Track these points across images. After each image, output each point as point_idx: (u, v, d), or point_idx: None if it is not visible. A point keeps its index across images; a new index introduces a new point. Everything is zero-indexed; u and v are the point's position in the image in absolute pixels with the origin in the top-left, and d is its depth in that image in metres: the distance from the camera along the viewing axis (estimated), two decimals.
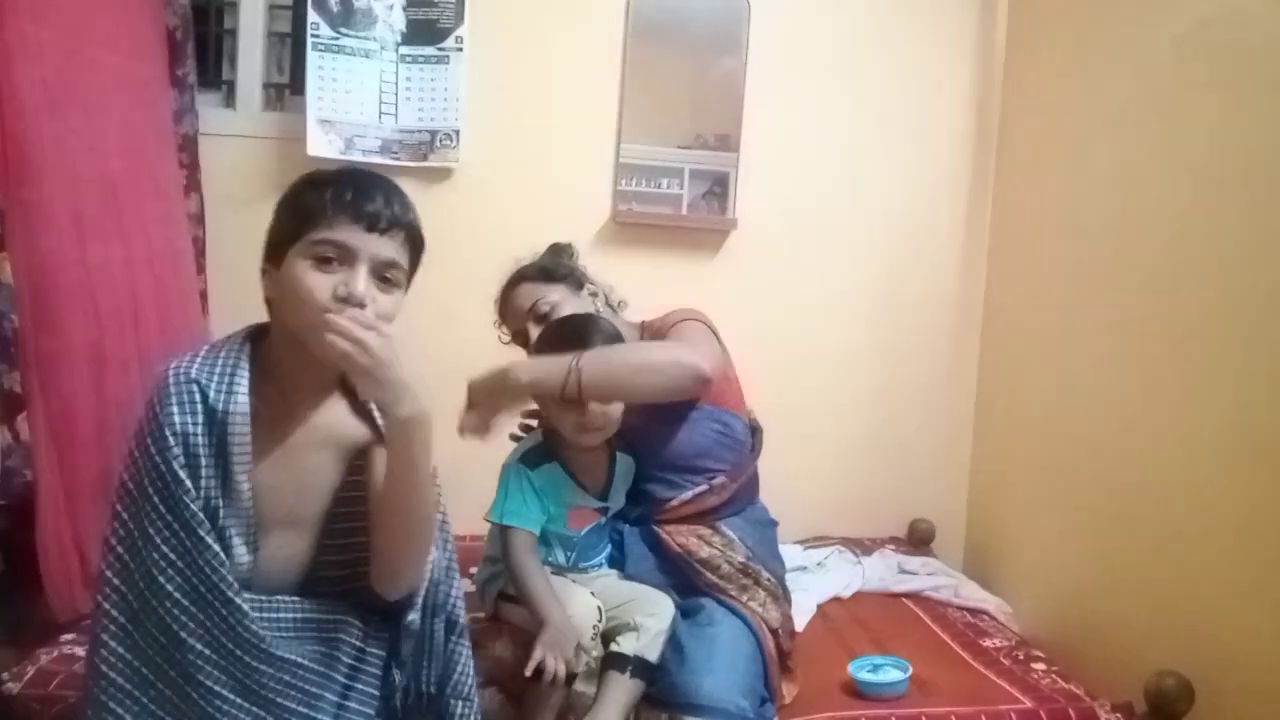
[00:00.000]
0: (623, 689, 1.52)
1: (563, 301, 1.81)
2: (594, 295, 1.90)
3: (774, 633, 1.69)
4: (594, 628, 1.52)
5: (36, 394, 1.68)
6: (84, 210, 1.80)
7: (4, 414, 1.66)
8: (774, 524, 1.90)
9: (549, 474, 1.62)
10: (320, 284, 1.18)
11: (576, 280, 1.89)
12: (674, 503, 1.76)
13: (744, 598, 1.70)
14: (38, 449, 1.68)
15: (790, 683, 1.72)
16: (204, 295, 2.45)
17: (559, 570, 1.64)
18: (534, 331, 1.77)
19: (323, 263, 1.19)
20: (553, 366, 1.60)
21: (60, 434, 1.72)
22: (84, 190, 1.81)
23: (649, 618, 1.58)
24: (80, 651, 1.70)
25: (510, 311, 1.88)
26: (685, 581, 1.71)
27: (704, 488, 1.77)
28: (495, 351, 1.74)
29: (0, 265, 1.60)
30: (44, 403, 1.69)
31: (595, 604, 1.54)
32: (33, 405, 1.68)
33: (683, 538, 1.73)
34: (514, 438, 1.80)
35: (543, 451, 1.65)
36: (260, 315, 1.29)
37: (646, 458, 1.77)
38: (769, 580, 1.76)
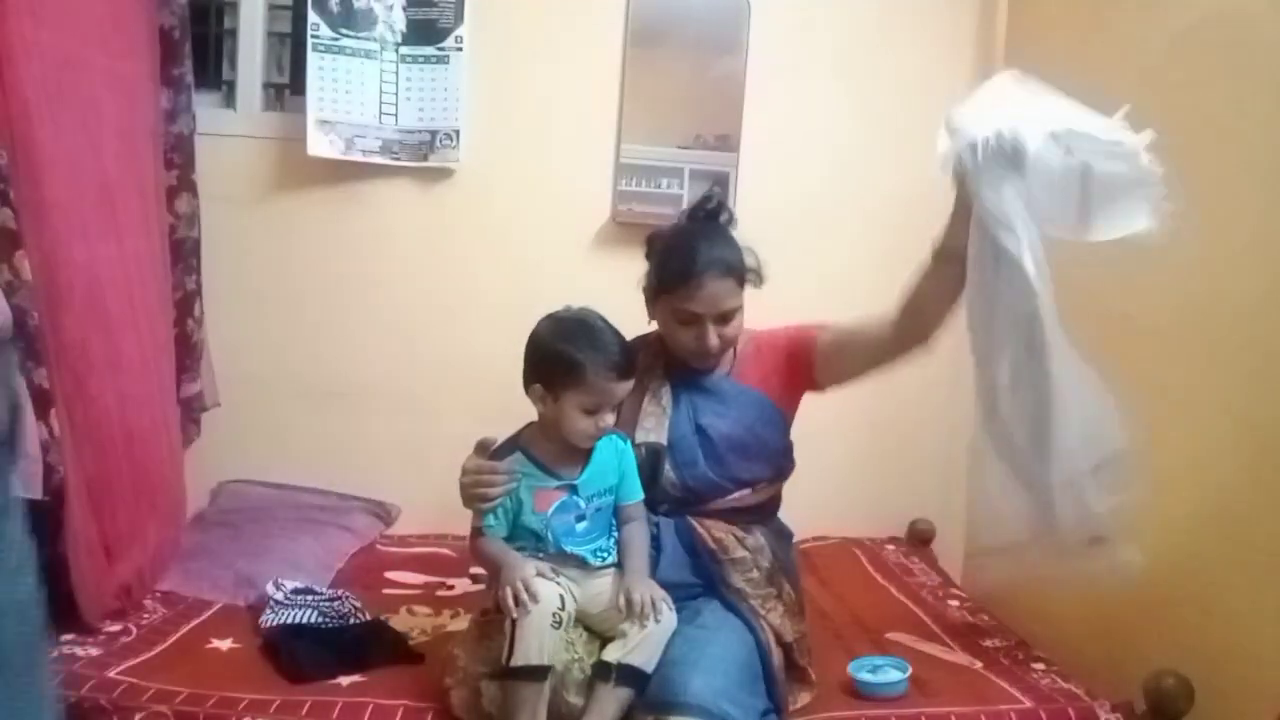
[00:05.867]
0: (609, 699, 1.51)
1: (741, 307, 1.75)
2: None
3: (786, 647, 1.68)
4: (554, 615, 1.50)
5: (56, 391, 1.69)
6: (84, 209, 1.80)
7: (39, 410, 1.66)
8: (791, 536, 1.90)
9: (507, 467, 1.64)
10: None
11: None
12: (717, 504, 1.76)
13: (764, 608, 1.69)
14: (63, 447, 1.69)
15: (807, 690, 1.72)
16: (193, 295, 2.44)
17: (547, 559, 1.63)
18: (713, 334, 1.70)
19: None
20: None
21: (78, 432, 1.72)
22: (83, 189, 1.81)
23: (629, 621, 1.56)
24: (80, 652, 1.71)
25: (704, 298, 1.69)
26: (710, 582, 1.71)
27: (747, 490, 1.77)
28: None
29: (20, 263, 1.60)
30: (61, 401, 1.70)
31: (558, 591, 1.53)
32: (56, 402, 1.70)
33: (720, 533, 1.73)
34: None
35: (507, 445, 1.66)
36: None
37: (716, 450, 1.75)
38: (789, 594, 1.76)
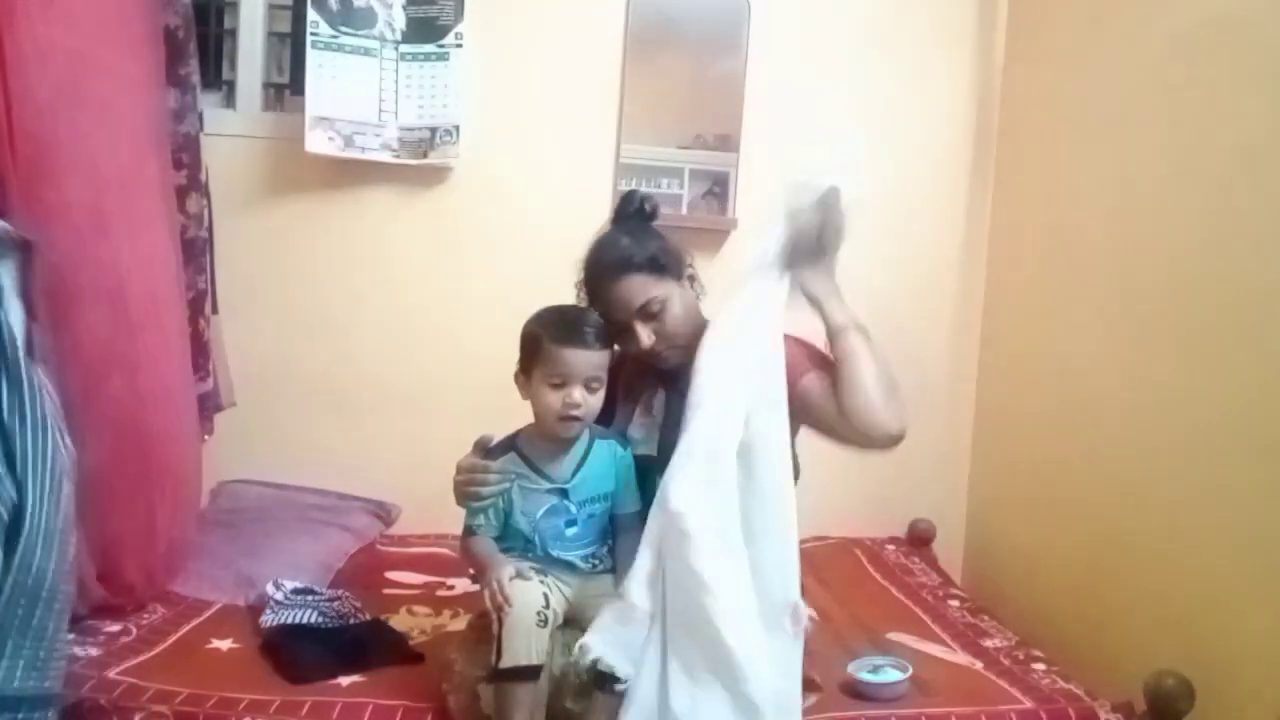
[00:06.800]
0: (603, 708, 1.50)
1: (671, 298, 1.67)
2: (698, 288, 1.77)
3: None
4: (539, 614, 1.49)
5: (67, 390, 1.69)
6: (103, 208, 1.80)
7: None
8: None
9: (500, 466, 1.63)
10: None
11: (685, 275, 1.74)
12: None
13: None
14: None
15: (813, 694, 1.70)
16: (204, 294, 2.44)
17: (535, 563, 1.61)
18: (644, 332, 1.66)
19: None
20: (835, 297, 1.66)
21: (92, 430, 1.71)
22: (102, 189, 1.81)
23: None
24: (80, 652, 1.70)
25: (612, 303, 1.66)
26: None
27: None
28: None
29: None
30: (61, 401, 1.69)
31: (540, 590, 1.52)
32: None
33: None
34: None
35: (503, 445, 1.66)
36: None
37: None
38: None
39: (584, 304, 1.72)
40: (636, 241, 1.69)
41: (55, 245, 1.66)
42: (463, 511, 1.67)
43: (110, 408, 1.80)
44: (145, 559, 1.94)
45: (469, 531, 1.66)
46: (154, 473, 1.94)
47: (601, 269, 1.67)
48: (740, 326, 1.63)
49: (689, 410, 1.58)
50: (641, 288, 1.65)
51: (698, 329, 1.74)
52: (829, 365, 1.65)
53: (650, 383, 1.78)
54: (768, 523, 1.54)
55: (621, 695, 1.50)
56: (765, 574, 1.51)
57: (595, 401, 1.61)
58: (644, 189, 2.60)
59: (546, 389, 1.58)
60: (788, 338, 1.70)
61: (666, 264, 1.69)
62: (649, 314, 1.66)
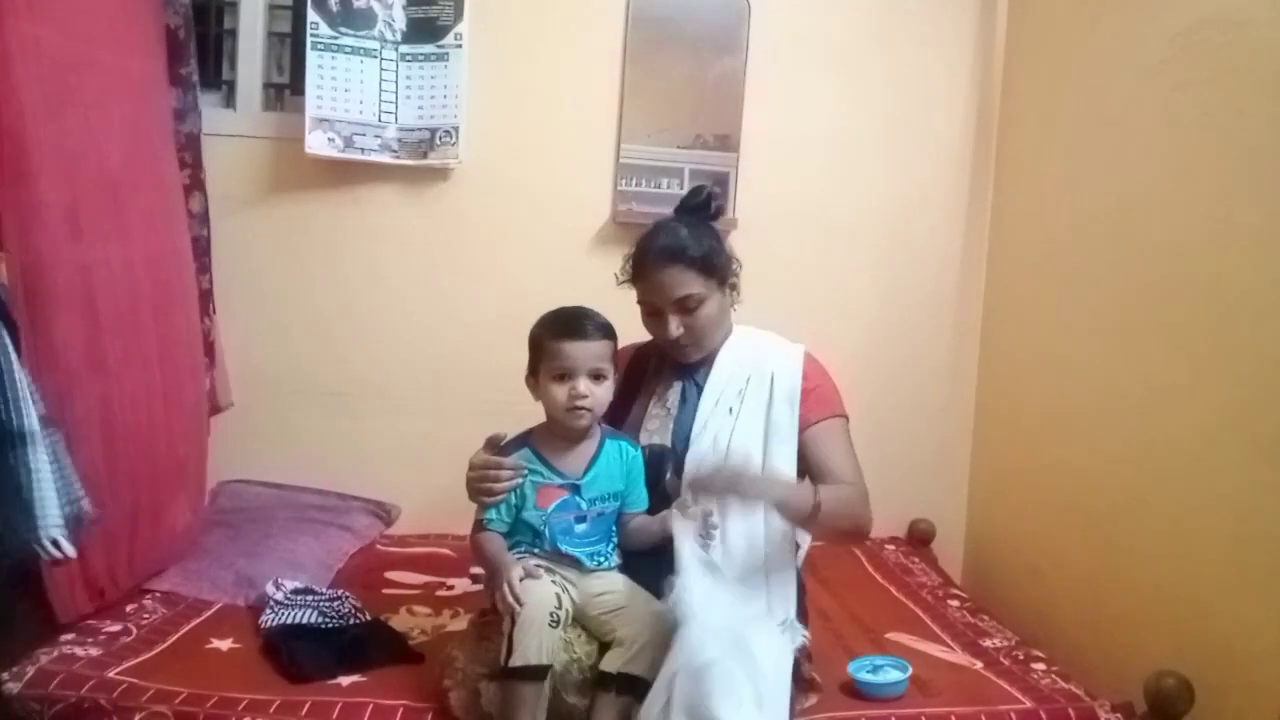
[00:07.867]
0: (609, 709, 1.51)
1: (710, 300, 1.72)
2: (734, 296, 1.82)
3: (795, 662, 1.64)
4: (551, 614, 1.50)
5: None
6: (82, 210, 1.79)
7: None
8: (798, 547, 1.87)
9: (514, 462, 1.64)
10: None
11: (728, 282, 1.79)
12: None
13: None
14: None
15: (814, 693, 1.71)
16: (207, 294, 2.45)
17: (541, 559, 1.62)
18: (673, 323, 1.71)
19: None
20: (799, 497, 1.63)
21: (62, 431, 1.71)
22: (83, 190, 1.80)
23: (627, 628, 1.56)
24: (80, 652, 1.71)
25: (654, 286, 1.72)
26: None
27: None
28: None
29: None
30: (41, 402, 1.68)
31: (553, 590, 1.53)
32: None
33: None
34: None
35: (516, 441, 1.67)
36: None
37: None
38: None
39: (624, 278, 1.78)
40: (694, 236, 1.73)
41: (29, 246, 1.66)
42: (467, 512, 1.67)
43: (85, 411, 1.79)
44: (105, 560, 1.90)
45: (479, 526, 1.66)
46: (122, 476, 1.90)
47: (654, 251, 1.72)
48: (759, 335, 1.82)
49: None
50: (686, 281, 1.70)
51: (724, 335, 1.81)
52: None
53: (665, 378, 1.82)
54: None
55: (624, 693, 1.51)
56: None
57: (603, 392, 1.63)
58: (635, 188, 2.62)
59: (553, 384, 1.61)
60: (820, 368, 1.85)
61: (716, 265, 1.74)
62: (685, 308, 1.71)
